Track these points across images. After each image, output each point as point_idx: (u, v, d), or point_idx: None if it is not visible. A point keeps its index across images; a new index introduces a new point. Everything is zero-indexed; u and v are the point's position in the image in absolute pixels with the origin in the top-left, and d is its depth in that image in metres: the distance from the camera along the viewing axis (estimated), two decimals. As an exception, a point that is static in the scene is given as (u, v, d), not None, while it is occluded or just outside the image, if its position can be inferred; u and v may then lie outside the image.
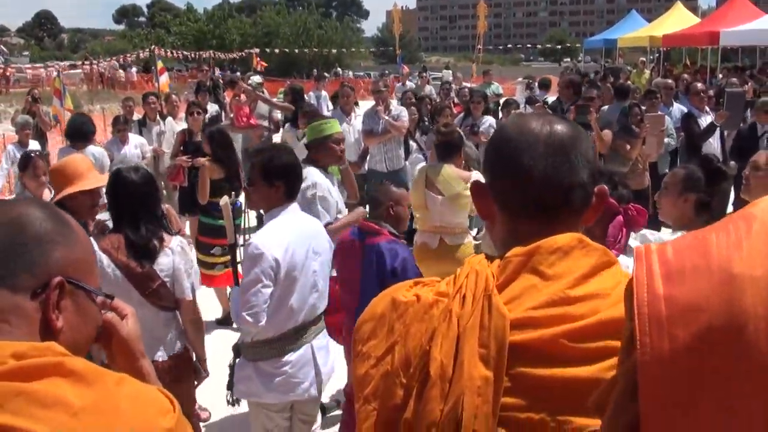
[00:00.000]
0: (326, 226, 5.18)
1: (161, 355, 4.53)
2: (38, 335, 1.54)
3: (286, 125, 11.79)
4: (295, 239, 4.45)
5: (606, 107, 12.03)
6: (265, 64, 34.03)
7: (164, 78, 17.03)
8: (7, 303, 1.52)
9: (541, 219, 1.67)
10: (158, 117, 12.17)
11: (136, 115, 12.35)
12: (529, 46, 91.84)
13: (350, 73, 54.96)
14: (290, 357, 4.46)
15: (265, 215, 4.67)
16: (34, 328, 1.55)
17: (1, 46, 36.03)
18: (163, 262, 4.46)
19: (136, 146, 10.43)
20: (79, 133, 9.37)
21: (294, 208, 4.61)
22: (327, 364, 4.74)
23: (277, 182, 4.48)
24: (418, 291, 1.71)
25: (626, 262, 3.51)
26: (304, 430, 4.87)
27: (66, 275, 1.58)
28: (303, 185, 5.09)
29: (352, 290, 4.91)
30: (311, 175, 5.65)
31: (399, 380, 1.63)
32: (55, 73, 26.71)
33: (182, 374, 4.65)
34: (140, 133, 11.66)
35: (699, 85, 11.92)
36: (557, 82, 17.80)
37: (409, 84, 16.65)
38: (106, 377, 1.51)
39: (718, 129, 11.04)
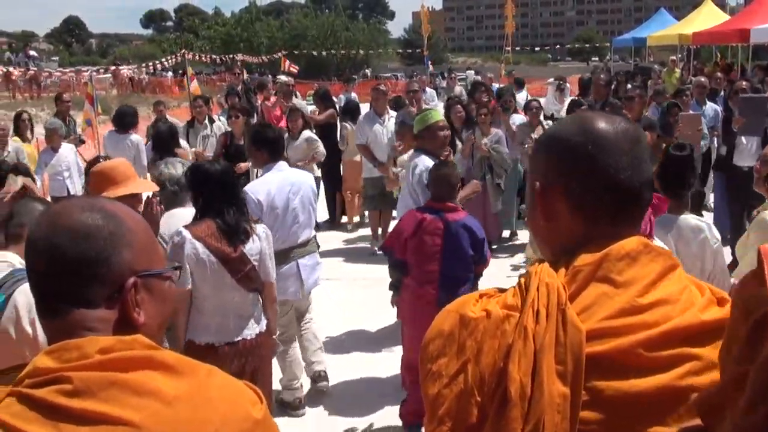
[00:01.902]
0: None
1: (249, 334, 4.87)
2: (122, 331, 1.57)
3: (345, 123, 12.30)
4: (276, 186, 6.07)
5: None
6: (297, 68, 34.04)
7: (195, 83, 17.16)
8: (92, 317, 1.57)
9: (615, 219, 1.65)
10: (206, 120, 12.26)
11: (176, 119, 12.44)
12: (557, 46, 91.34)
13: (369, 73, 55.06)
14: (280, 270, 5.46)
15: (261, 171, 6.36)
16: (117, 326, 1.59)
17: (32, 52, 36.29)
18: (252, 247, 4.80)
19: None
20: (124, 121, 10.68)
21: (279, 166, 6.24)
22: (310, 278, 6.41)
23: (262, 149, 6.21)
24: (486, 306, 1.66)
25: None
26: (299, 320, 6.55)
27: (136, 272, 1.62)
28: (416, 171, 6.33)
29: (433, 263, 5.56)
30: (422, 161, 6.35)
31: (474, 399, 1.59)
32: (86, 78, 26.94)
33: (267, 351, 5.07)
34: (187, 136, 11.79)
35: (743, 83, 11.63)
36: (577, 82, 17.70)
37: (430, 91, 16.52)
38: (197, 369, 1.57)
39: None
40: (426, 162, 6.29)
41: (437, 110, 6.95)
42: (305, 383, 6.56)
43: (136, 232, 1.65)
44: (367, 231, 12.07)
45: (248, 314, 4.88)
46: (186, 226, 4.68)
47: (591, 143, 1.64)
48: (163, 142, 8.79)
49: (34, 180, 5.73)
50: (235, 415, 1.55)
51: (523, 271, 9.69)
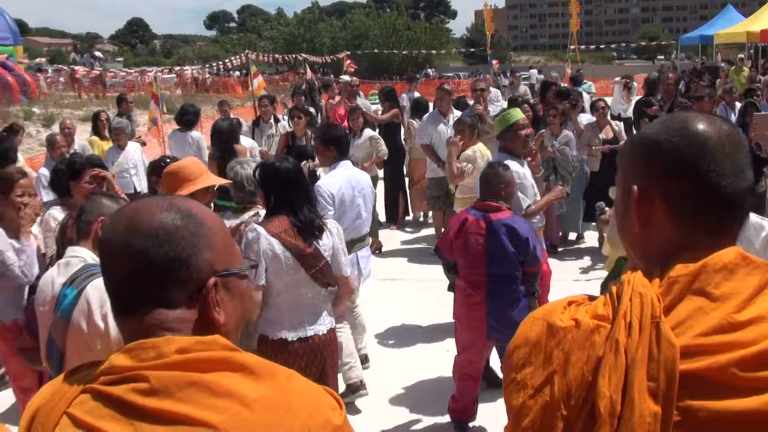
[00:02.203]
0: (527, 208, 6.33)
1: (322, 329, 4.87)
2: (201, 332, 1.57)
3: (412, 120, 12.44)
4: (344, 182, 6.48)
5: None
6: (354, 66, 34.09)
7: (257, 81, 17.25)
8: (171, 317, 1.56)
9: (714, 228, 1.57)
10: (272, 120, 12.35)
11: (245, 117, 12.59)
12: (623, 44, 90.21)
13: (431, 73, 54.96)
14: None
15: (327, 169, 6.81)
16: (197, 327, 1.59)
17: (97, 52, 36.96)
18: (325, 243, 4.84)
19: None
20: (185, 119, 11.07)
21: (345, 164, 6.64)
22: (366, 267, 6.82)
23: (330, 146, 6.57)
24: (574, 314, 1.59)
25: None
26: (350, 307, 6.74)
27: (216, 272, 1.61)
28: None
29: (479, 264, 5.59)
30: (511, 166, 6.17)
31: (560, 413, 1.53)
32: (151, 78, 27.32)
33: (336, 346, 5.09)
34: (252, 134, 11.91)
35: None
36: (643, 80, 17.35)
37: (494, 91, 16.35)
38: (277, 372, 1.55)
39: None
40: (519, 169, 6.30)
41: (517, 110, 6.91)
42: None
43: (216, 232, 1.64)
44: (429, 231, 12.01)
45: (320, 309, 4.90)
46: (260, 223, 4.73)
47: (693, 146, 1.55)
48: (223, 139, 8.92)
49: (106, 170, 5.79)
50: (315, 420, 1.52)
51: (591, 274, 9.63)
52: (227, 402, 1.44)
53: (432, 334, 7.97)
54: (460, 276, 5.82)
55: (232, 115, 13.62)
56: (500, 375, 5.70)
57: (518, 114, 6.67)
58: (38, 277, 4.66)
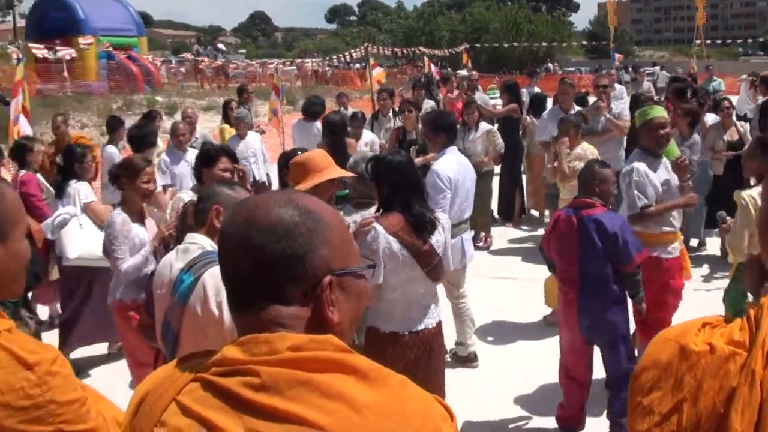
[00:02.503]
0: (645, 207, 6.11)
1: (432, 322, 4.91)
2: (314, 330, 1.55)
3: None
4: (456, 167, 6.83)
5: None
6: (469, 60, 33.81)
7: (377, 71, 17.34)
8: (285, 313, 1.55)
9: None
10: (390, 113, 12.38)
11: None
12: (750, 40, 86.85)
13: (551, 67, 54.13)
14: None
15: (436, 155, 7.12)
16: (310, 324, 1.56)
17: (220, 44, 37.80)
18: (439, 239, 4.84)
19: (366, 144, 10.75)
20: (311, 110, 11.61)
21: (452, 149, 7.03)
22: (469, 251, 7.03)
23: (441, 132, 6.96)
24: (709, 338, 1.47)
25: None
26: (453, 291, 7.20)
27: (332, 270, 1.58)
28: (623, 170, 6.32)
29: (571, 261, 5.53)
30: (632, 162, 6.27)
31: None
32: (272, 70, 27.78)
33: (442, 340, 5.10)
34: (372, 128, 12.00)
35: None
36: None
37: (619, 87, 15.88)
38: (389, 378, 1.51)
39: None
40: (636, 163, 6.22)
41: (659, 108, 6.64)
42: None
43: (334, 229, 1.61)
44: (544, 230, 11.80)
45: (430, 303, 4.94)
46: (378, 220, 4.73)
47: None
48: (335, 131, 9.14)
49: (236, 162, 5.92)
50: (428, 429, 1.47)
51: (712, 284, 9.26)
52: (337, 405, 1.41)
53: (542, 336, 7.84)
54: (556, 274, 5.81)
55: (351, 108, 13.74)
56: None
57: (658, 111, 6.39)
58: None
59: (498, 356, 7.45)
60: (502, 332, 8.06)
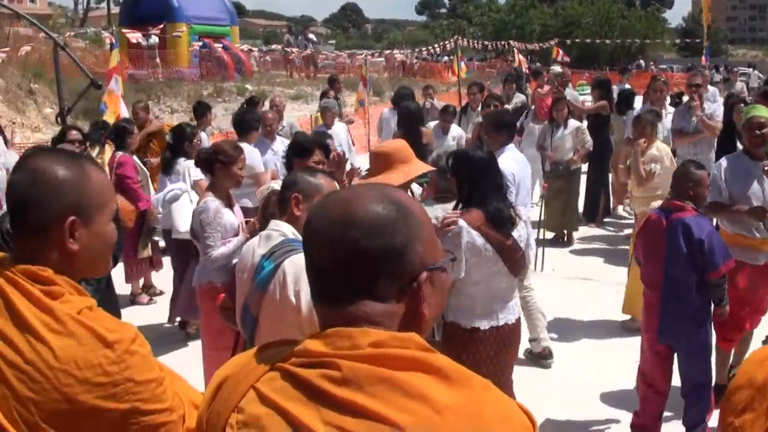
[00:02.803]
0: (712, 203, 6.03)
1: (511, 318, 4.92)
2: (406, 326, 1.55)
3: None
4: (516, 162, 6.93)
5: None
6: (568, 57, 33.40)
7: (463, 64, 17.31)
8: (378, 310, 1.53)
9: None
10: (479, 108, 12.39)
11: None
12: None
13: (643, 64, 53.05)
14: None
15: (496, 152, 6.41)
16: (403, 321, 1.56)
17: (310, 35, 38.10)
18: (521, 234, 4.85)
19: (453, 138, 10.75)
20: (400, 100, 11.30)
21: (510, 147, 7.21)
22: (533, 244, 5.97)
23: (502, 131, 7.12)
24: None
25: None
26: (519, 285, 6.20)
27: (426, 266, 1.57)
28: (713, 170, 6.24)
29: (657, 264, 5.37)
30: (721, 161, 6.29)
31: None
32: (360, 61, 27.91)
33: (519, 336, 5.11)
34: (459, 121, 12.00)
35: None
36: None
37: (712, 89, 15.36)
38: (472, 380, 1.48)
39: None
40: (722, 159, 6.18)
41: (761, 107, 6.48)
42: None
43: (425, 224, 1.61)
44: (629, 231, 11.51)
45: (511, 299, 4.94)
46: (461, 216, 4.71)
47: None
48: (412, 120, 9.15)
49: (328, 152, 5.96)
50: None
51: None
52: (418, 405, 1.39)
53: (617, 341, 7.68)
54: (641, 276, 5.69)
55: (436, 101, 13.74)
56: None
57: (759, 111, 6.21)
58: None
59: (569, 357, 7.34)
60: (576, 333, 7.94)
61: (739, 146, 9.12)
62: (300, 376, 1.47)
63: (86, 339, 1.96)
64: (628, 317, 7.91)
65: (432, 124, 11.20)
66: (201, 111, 11.43)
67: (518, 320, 5.00)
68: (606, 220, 12.70)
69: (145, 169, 8.98)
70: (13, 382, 1.91)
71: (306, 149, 5.70)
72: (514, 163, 6.89)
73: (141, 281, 9.32)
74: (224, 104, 23.02)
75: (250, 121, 9.08)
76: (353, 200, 1.57)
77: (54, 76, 11.13)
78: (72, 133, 7.97)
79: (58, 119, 10.07)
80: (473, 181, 4.77)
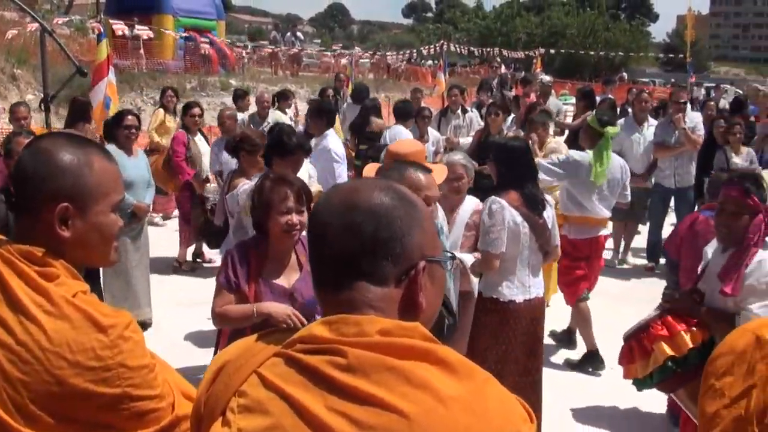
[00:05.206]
0: None
1: (539, 292, 5.49)
2: (404, 314, 1.59)
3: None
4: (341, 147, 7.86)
5: None
6: (539, 66, 33.67)
7: (440, 75, 17.40)
8: (377, 294, 1.57)
9: None
10: (459, 111, 12.43)
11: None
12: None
13: (626, 76, 53.47)
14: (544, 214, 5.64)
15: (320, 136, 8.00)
16: (401, 307, 1.60)
17: (298, 33, 38.25)
18: (549, 215, 5.45)
19: (433, 143, 10.84)
20: (360, 96, 13.32)
21: (331, 131, 8.34)
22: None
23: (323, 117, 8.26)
24: None
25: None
26: None
27: (425, 256, 1.62)
28: None
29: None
30: None
31: (751, 429, 1.50)
32: (344, 61, 27.97)
33: (544, 310, 5.66)
34: (439, 124, 12.07)
35: None
36: None
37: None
38: (475, 373, 1.51)
39: None
40: None
41: None
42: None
43: (426, 217, 1.66)
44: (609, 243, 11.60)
45: (539, 274, 5.55)
46: (498, 196, 5.32)
47: None
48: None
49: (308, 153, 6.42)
50: (507, 430, 1.47)
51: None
52: (422, 394, 1.40)
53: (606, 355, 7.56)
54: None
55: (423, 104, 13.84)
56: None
57: None
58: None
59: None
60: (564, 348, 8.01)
61: (719, 160, 9.30)
62: (305, 362, 1.48)
63: (80, 322, 1.96)
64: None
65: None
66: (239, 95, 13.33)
67: (543, 296, 5.57)
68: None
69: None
70: (3, 363, 1.90)
71: (288, 151, 5.78)
72: (339, 144, 8.30)
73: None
74: (208, 98, 22.97)
75: (408, 110, 10.70)
76: (357, 189, 1.63)
77: (39, 63, 11.08)
78: (129, 119, 8.09)
79: (41, 105, 10.02)
80: (509, 166, 5.42)
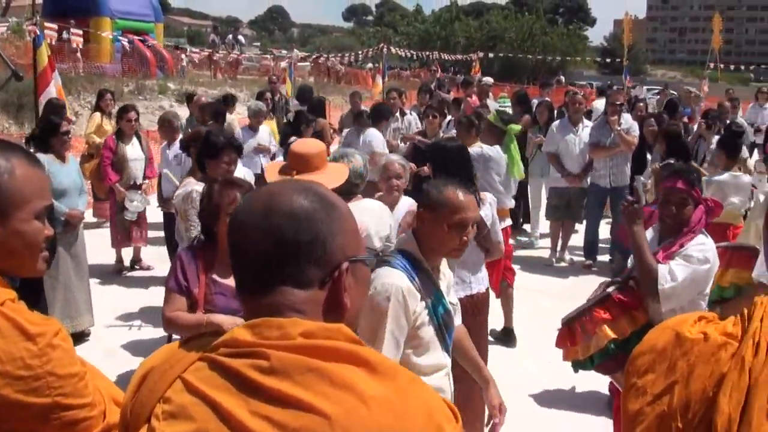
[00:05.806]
0: None
1: (480, 288, 5.55)
2: (329, 315, 1.59)
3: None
4: None
5: None
6: (477, 71, 33.94)
7: (378, 80, 17.44)
8: (301, 297, 1.56)
9: None
10: (398, 113, 12.44)
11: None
12: (763, 66, 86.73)
13: (563, 80, 54.09)
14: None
15: None
16: (325, 309, 1.59)
17: (240, 37, 38.00)
18: (487, 213, 5.51)
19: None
20: (304, 97, 13.91)
21: None
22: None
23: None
24: (704, 329, 1.56)
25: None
26: None
27: (347, 257, 1.61)
28: None
29: None
30: None
31: (675, 424, 1.53)
32: (284, 64, 27.87)
33: (488, 305, 5.73)
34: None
35: None
36: None
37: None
38: (398, 373, 1.51)
39: None
40: None
41: None
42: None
43: (347, 218, 1.65)
44: (548, 242, 11.77)
45: (479, 271, 5.58)
46: None
47: None
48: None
49: (241, 155, 6.21)
50: (429, 429, 1.47)
51: None
52: (345, 395, 1.40)
53: (546, 352, 7.52)
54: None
55: (362, 107, 13.84)
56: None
57: None
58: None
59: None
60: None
61: (650, 158, 9.50)
62: (228, 366, 1.47)
63: (8, 331, 1.91)
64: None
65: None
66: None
67: (488, 290, 5.63)
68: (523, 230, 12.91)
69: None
70: None
71: (217, 150, 5.71)
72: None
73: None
74: (145, 102, 22.73)
75: (384, 112, 11.22)
76: (278, 192, 1.61)
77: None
78: (131, 114, 7.96)
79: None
80: (445, 167, 5.45)
